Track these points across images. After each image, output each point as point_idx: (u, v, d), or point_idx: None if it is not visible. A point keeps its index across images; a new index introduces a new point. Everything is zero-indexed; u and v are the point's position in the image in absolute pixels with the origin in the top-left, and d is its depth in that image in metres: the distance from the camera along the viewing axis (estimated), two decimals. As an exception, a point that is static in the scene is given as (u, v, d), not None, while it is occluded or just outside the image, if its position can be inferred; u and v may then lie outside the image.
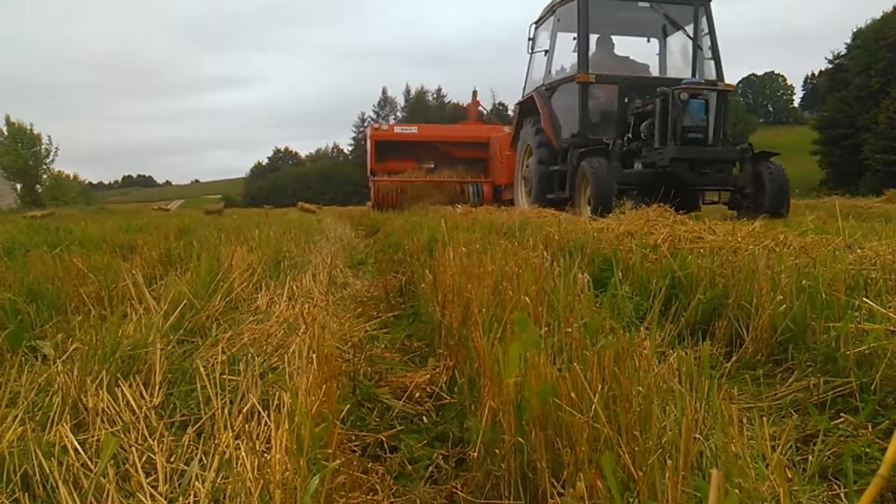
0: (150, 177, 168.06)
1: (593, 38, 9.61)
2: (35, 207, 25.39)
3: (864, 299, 2.05)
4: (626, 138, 8.53)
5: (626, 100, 8.92)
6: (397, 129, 15.28)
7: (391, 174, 13.67)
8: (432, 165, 14.27)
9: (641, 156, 8.12)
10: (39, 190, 37.59)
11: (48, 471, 1.21)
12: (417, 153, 14.22)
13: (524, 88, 11.24)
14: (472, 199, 12.73)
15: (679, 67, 9.70)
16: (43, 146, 37.61)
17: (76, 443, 1.31)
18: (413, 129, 15.27)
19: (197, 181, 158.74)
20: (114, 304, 2.43)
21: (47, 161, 37.91)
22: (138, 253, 4.57)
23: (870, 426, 1.54)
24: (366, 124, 69.27)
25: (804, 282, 2.22)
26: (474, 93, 16.74)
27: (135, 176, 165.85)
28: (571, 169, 8.55)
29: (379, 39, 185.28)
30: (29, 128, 37.17)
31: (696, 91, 7.77)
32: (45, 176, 38.55)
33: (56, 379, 1.59)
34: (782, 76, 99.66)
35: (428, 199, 12.10)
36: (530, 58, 11.04)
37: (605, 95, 9.25)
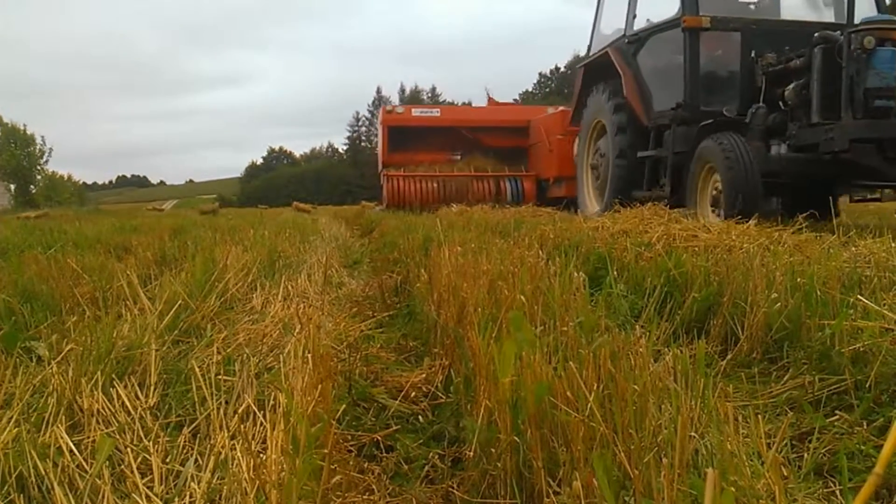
0: (144, 177, 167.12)
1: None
2: (29, 208, 25.31)
3: (859, 297, 2.06)
4: (758, 109, 5.78)
5: (753, 53, 6.07)
6: (415, 112, 12.59)
7: (408, 167, 11.35)
8: (458, 156, 12.12)
9: (788, 134, 5.50)
10: (34, 190, 37.52)
11: (43, 472, 1.20)
12: (440, 141, 11.91)
13: (590, 45, 8.34)
14: (509, 198, 10.50)
15: (804, 10, 6.91)
16: (37, 147, 37.57)
17: (71, 444, 1.31)
18: (434, 112, 12.82)
19: (191, 181, 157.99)
20: (108, 305, 2.43)
21: (41, 162, 37.88)
22: (133, 253, 4.57)
23: (865, 423, 1.54)
24: (360, 123, 68.97)
25: (799, 280, 2.22)
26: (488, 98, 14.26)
27: (129, 176, 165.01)
28: (674, 155, 6.19)
29: (374, 38, 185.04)
30: (23, 128, 37.17)
31: (886, 34, 5.04)
32: (39, 176, 38.51)
33: (51, 380, 1.59)
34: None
35: (454, 198, 10.03)
36: (599, 1, 8.21)
37: (722, 48, 6.46)
